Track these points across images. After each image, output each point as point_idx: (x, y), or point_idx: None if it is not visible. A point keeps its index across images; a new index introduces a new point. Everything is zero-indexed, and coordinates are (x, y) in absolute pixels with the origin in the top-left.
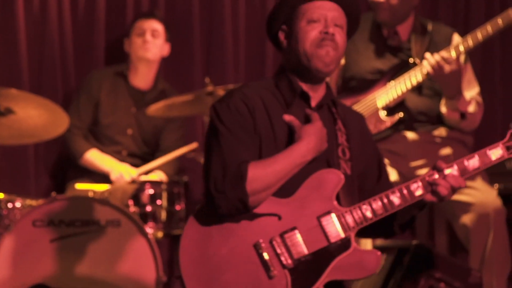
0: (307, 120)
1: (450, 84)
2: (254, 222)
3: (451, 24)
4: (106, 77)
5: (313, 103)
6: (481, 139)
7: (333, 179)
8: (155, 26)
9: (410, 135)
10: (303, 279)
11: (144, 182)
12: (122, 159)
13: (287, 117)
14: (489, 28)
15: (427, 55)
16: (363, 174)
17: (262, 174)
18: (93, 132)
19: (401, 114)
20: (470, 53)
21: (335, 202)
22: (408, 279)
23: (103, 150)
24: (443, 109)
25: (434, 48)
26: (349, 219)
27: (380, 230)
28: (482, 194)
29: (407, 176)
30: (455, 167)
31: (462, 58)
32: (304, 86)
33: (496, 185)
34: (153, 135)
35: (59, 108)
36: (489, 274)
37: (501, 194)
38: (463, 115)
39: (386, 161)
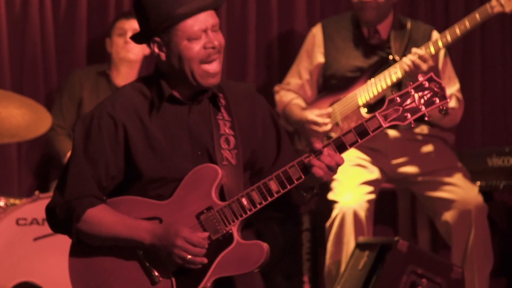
0: (176, 118)
1: None
2: (141, 220)
3: (430, 22)
4: (88, 77)
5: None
6: (461, 136)
7: (210, 174)
8: (136, 26)
9: (391, 132)
10: (189, 280)
11: None
12: None
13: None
14: (467, 23)
15: (404, 58)
16: (257, 155)
17: (95, 224)
18: None
19: None
20: (451, 51)
21: (214, 198)
22: (390, 275)
23: None
24: None
25: (413, 45)
26: (228, 213)
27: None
28: (463, 191)
29: (388, 174)
30: (332, 145)
31: (442, 53)
32: (179, 91)
33: (478, 183)
34: None
35: (42, 107)
36: (471, 270)
37: (483, 191)
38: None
39: (368, 158)
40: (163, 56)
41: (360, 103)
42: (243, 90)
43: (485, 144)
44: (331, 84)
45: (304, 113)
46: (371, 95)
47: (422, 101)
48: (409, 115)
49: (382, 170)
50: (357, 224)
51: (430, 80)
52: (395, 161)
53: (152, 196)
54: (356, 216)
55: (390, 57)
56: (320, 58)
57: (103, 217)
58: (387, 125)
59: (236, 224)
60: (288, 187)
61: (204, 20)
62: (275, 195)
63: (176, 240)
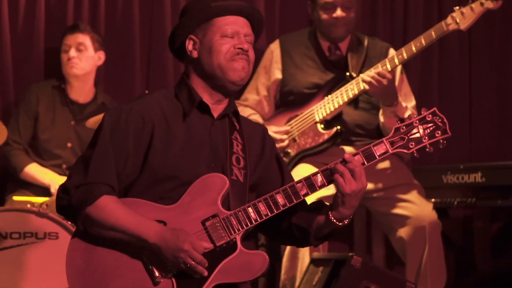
0: (200, 127)
1: (388, 94)
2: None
3: (389, 38)
4: (44, 91)
5: (215, 113)
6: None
7: (217, 183)
8: (80, 39)
9: (347, 149)
10: (189, 284)
11: None
12: (62, 173)
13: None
14: (422, 40)
15: (362, 75)
16: (263, 182)
17: (106, 212)
18: (33, 146)
19: (338, 127)
20: (410, 68)
21: (220, 206)
22: None
23: (43, 164)
24: (382, 118)
25: (369, 62)
26: (234, 221)
27: (296, 240)
28: (418, 208)
29: None
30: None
31: (398, 70)
32: (207, 97)
33: (433, 199)
34: None
35: None
36: (425, 286)
37: (438, 208)
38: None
39: None
40: (195, 53)
41: (317, 119)
42: (254, 124)
43: (441, 161)
44: (288, 100)
45: None
46: (328, 111)
47: (426, 132)
48: (413, 144)
49: None
50: None
51: (433, 114)
52: None
53: (159, 198)
54: None
55: (347, 73)
56: (277, 74)
57: (115, 207)
58: (393, 151)
59: (241, 233)
60: (295, 201)
61: (239, 24)
62: (281, 208)
63: (184, 245)
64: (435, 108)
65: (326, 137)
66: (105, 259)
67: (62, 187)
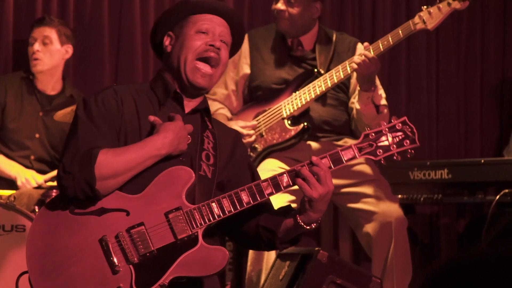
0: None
1: (370, 78)
2: (102, 217)
3: (358, 35)
4: (12, 82)
5: (187, 109)
6: None
7: (183, 176)
8: (46, 33)
9: (314, 144)
10: (148, 275)
11: (50, 188)
12: (29, 165)
13: (152, 118)
14: (390, 39)
15: (355, 57)
16: (233, 185)
17: (112, 160)
18: (1, 137)
19: (305, 124)
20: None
21: (185, 199)
22: (310, 285)
23: (11, 155)
24: (358, 105)
25: (338, 57)
26: (197, 215)
27: (263, 243)
28: (384, 204)
29: None
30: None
31: None
32: (180, 91)
33: (400, 195)
34: (61, 140)
35: None
36: (391, 282)
37: (404, 204)
38: (378, 108)
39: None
40: (169, 48)
41: (285, 115)
42: (227, 128)
43: (408, 157)
44: (256, 95)
45: (229, 124)
46: (295, 107)
47: (394, 141)
48: (381, 152)
49: None
50: None
51: (403, 123)
52: None
53: (124, 185)
54: None
55: (315, 70)
56: (246, 69)
57: (116, 152)
58: (361, 157)
59: (203, 228)
60: (259, 200)
61: (217, 23)
62: (245, 206)
63: (168, 133)
64: (405, 118)
65: (293, 133)
66: (66, 243)
67: (61, 167)
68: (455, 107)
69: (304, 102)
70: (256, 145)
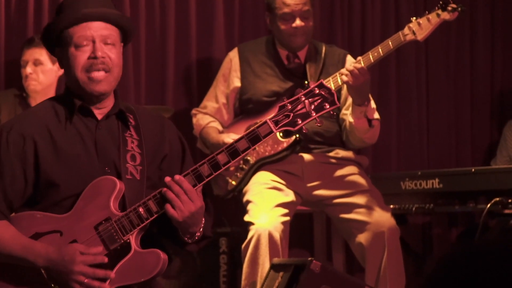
0: (84, 133)
1: (362, 92)
2: (38, 241)
3: (347, 48)
4: (6, 99)
5: (99, 116)
6: (377, 160)
7: (107, 186)
8: (35, 55)
9: (306, 156)
10: None
11: None
12: None
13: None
14: (380, 50)
15: (342, 70)
16: (164, 173)
17: None
18: None
19: (297, 136)
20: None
21: (113, 209)
22: None
23: None
24: (351, 118)
25: (327, 69)
26: (126, 222)
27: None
28: (377, 214)
29: (304, 197)
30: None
31: None
32: (87, 102)
33: (392, 206)
34: None
35: None
36: None
37: (396, 214)
38: (370, 122)
39: (283, 182)
40: (61, 65)
41: None
42: (153, 114)
43: (400, 168)
44: (247, 108)
45: (221, 137)
46: None
47: (313, 106)
48: (299, 121)
49: (297, 193)
50: (272, 245)
51: (320, 86)
52: (310, 184)
53: (56, 208)
54: (271, 237)
55: (306, 82)
56: (236, 82)
57: (0, 234)
58: (278, 130)
59: (134, 233)
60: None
61: (93, 29)
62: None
63: (72, 266)
64: (321, 81)
65: (285, 145)
66: (10, 280)
67: None
68: (445, 117)
69: None
70: (248, 158)
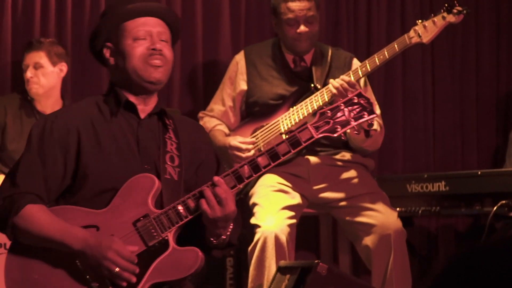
0: (127, 130)
1: None
2: (75, 226)
3: (353, 49)
4: (11, 103)
5: (142, 114)
6: (383, 162)
7: (146, 183)
8: (36, 58)
9: (312, 158)
10: (125, 286)
11: None
12: None
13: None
14: (386, 53)
15: (331, 80)
16: (198, 180)
17: (29, 224)
18: (1, 158)
19: None
20: (373, 79)
21: (151, 206)
22: None
23: None
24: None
25: (333, 73)
26: (165, 220)
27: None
28: (383, 216)
29: (310, 199)
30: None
31: (362, 82)
32: (132, 98)
33: (398, 208)
34: None
35: None
36: None
37: (402, 216)
38: (367, 132)
39: (289, 184)
40: (112, 60)
41: (282, 130)
42: (190, 122)
43: (406, 170)
44: (254, 111)
45: (228, 139)
46: (293, 122)
47: (352, 114)
48: (339, 128)
49: (303, 196)
50: (278, 248)
51: (359, 96)
52: (316, 187)
53: (92, 202)
54: (277, 240)
55: (312, 85)
56: (243, 85)
57: (40, 216)
58: (319, 136)
59: (172, 231)
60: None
61: (151, 24)
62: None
63: (107, 252)
64: (360, 90)
65: None
66: (41, 269)
67: None
68: (451, 120)
69: (301, 117)
70: None
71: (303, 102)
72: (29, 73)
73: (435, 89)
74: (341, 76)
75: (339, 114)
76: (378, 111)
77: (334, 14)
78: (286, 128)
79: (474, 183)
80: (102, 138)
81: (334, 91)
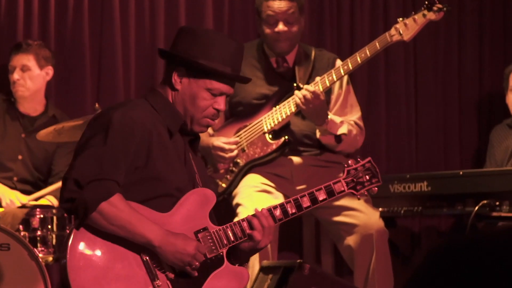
0: (183, 147)
1: (318, 115)
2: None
3: (336, 50)
4: None
5: (187, 138)
6: None
7: (208, 197)
8: (22, 60)
9: (296, 159)
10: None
11: (34, 207)
12: (13, 186)
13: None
14: (367, 51)
15: (296, 91)
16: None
17: (117, 211)
18: None
19: (286, 137)
20: (356, 79)
21: (209, 220)
22: None
23: None
24: (318, 134)
25: (317, 73)
26: (224, 236)
27: None
28: (365, 216)
29: None
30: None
31: (344, 81)
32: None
33: (380, 208)
34: (44, 160)
35: None
36: None
37: (385, 216)
38: (338, 138)
39: (272, 184)
40: (178, 85)
41: (265, 129)
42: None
43: (388, 171)
44: (237, 111)
45: (211, 140)
46: (276, 122)
47: (366, 178)
48: (360, 187)
49: (286, 196)
50: None
51: (371, 163)
52: (299, 187)
53: (151, 204)
54: None
55: (295, 84)
56: None
57: (126, 206)
58: (348, 191)
59: (227, 248)
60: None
61: (226, 90)
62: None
63: (190, 249)
64: (370, 158)
65: (274, 147)
66: (106, 258)
67: (73, 180)
68: (434, 121)
69: (284, 116)
70: (238, 160)
71: (286, 102)
72: (16, 75)
73: (418, 90)
74: (306, 86)
75: (360, 175)
76: (359, 113)
77: (317, 15)
78: (269, 127)
79: (456, 184)
80: (166, 143)
81: (298, 101)
